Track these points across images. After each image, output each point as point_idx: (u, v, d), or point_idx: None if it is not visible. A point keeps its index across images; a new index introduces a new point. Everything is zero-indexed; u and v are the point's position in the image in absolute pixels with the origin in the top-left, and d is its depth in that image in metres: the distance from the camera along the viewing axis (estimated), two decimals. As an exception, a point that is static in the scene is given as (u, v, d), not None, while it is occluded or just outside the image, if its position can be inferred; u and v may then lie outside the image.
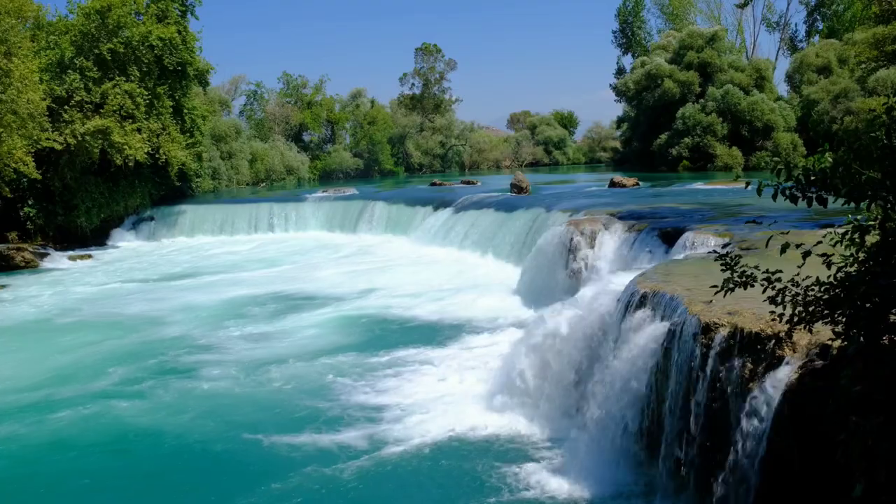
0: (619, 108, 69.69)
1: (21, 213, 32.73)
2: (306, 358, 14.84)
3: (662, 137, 54.91)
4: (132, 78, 33.64)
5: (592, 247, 17.60)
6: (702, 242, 14.28)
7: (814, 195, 5.15)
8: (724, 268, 5.97)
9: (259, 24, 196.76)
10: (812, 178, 5.10)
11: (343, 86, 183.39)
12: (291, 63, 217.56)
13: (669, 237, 15.87)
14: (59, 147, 30.25)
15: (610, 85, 68.48)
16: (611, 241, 17.46)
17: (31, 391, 13.38)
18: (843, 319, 5.20)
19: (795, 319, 5.51)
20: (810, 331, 5.71)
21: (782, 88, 60.70)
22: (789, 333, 6.70)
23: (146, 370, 14.42)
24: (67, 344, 16.69)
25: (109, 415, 12.15)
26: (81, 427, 11.63)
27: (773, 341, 6.98)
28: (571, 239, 17.97)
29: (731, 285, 5.92)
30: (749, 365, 7.13)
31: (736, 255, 6.13)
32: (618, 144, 75.19)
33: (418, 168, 79.41)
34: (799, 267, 5.66)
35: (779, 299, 5.67)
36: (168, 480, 9.92)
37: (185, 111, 38.05)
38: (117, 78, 33.44)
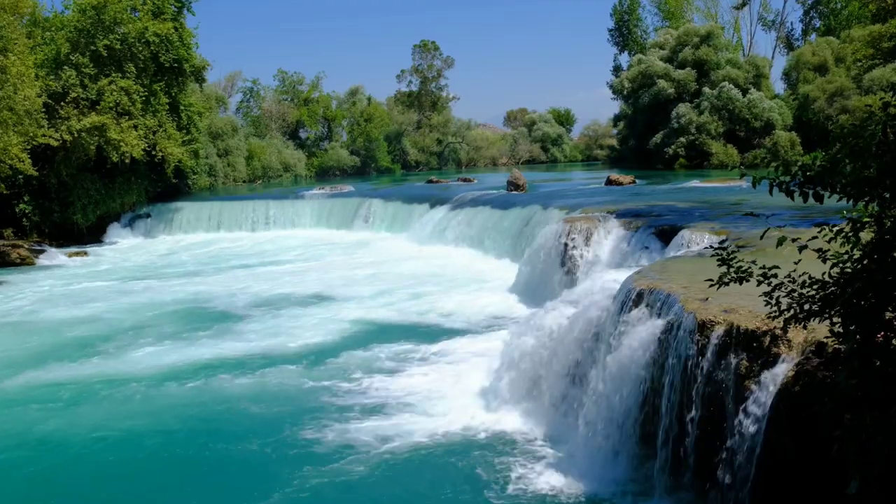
0: (616, 106, 69.83)
1: (17, 210, 32.65)
2: (303, 356, 14.83)
3: (658, 136, 55.00)
4: (128, 74, 33.53)
5: (589, 244, 17.61)
6: (698, 240, 14.30)
7: (810, 191, 5.16)
8: (720, 262, 5.98)
9: (256, 20, 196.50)
10: (809, 173, 5.10)
11: (340, 83, 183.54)
12: (288, 60, 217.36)
13: (666, 235, 15.90)
14: (55, 144, 30.15)
15: (607, 83, 68.58)
16: (607, 238, 17.48)
17: (28, 389, 13.36)
18: (839, 317, 5.21)
19: (790, 315, 5.52)
20: (805, 328, 5.72)
21: (779, 87, 60.92)
22: (785, 330, 6.71)
23: (145, 367, 14.40)
24: (61, 340, 16.63)
25: (104, 413, 12.12)
26: (74, 426, 11.55)
27: (769, 339, 7.00)
28: (568, 236, 17.99)
29: (727, 280, 5.93)
30: (745, 362, 7.14)
31: (732, 251, 6.14)
32: (615, 142, 75.30)
33: (415, 165, 79.48)
34: (795, 263, 5.67)
35: (774, 296, 5.67)
36: (162, 479, 9.85)
37: (182, 108, 37.98)
38: (113, 74, 33.35)
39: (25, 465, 10.34)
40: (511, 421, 10.99)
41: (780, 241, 5.45)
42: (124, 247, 34.35)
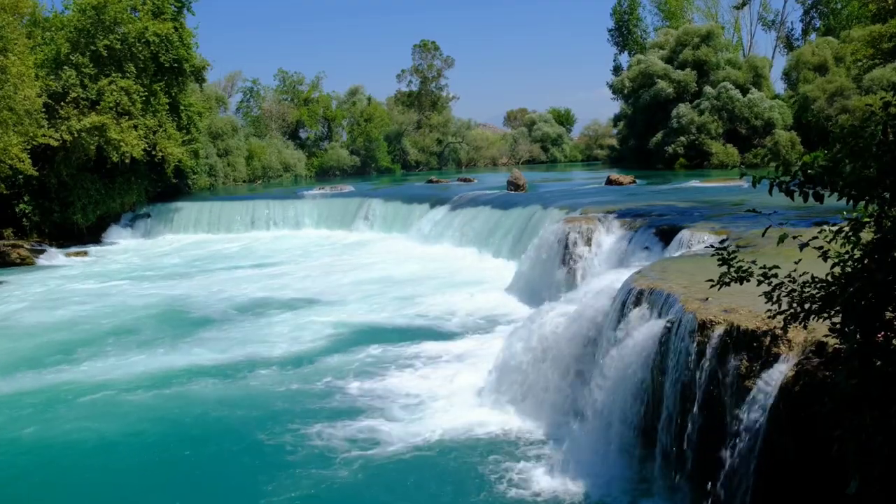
0: (616, 106, 69.83)
1: (17, 210, 32.63)
2: (301, 356, 14.83)
3: (658, 135, 55.00)
4: (128, 74, 33.52)
5: (589, 244, 17.61)
6: (698, 240, 14.30)
7: (810, 191, 5.15)
8: (720, 262, 5.97)
9: (256, 20, 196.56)
10: (809, 172, 5.10)
11: (340, 83, 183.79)
12: (288, 60, 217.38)
13: (666, 235, 15.89)
14: (55, 144, 30.14)
15: (607, 83, 68.55)
16: (607, 238, 17.47)
17: (27, 391, 13.34)
18: (839, 316, 5.21)
19: (790, 313, 5.52)
20: (805, 327, 5.71)
21: (779, 87, 60.91)
22: (785, 330, 6.71)
23: (142, 366, 14.40)
24: (41, 345, 16.38)
25: (77, 419, 12.01)
26: (48, 432, 11.46)
27: (770, 338, 7.00)
28: (568, 236, 17.99)
29: (727, 280, 5.93)
30: (745, 362, 7.14)
31: (733, 251, 6.14)
32: (615, 142, 75.28)
33: (415, 165, 79.51)
34: (796, 263, 5.67)
35: (775, 295, 5.67)
36: (137, 486, 9.75)
37: (182, 108, 37.98)
38: (113, 74, 33.33)
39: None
40: (510, 421, 10.99)
41: (782, 238, 5.45)
42: (124, 247, 34.33)
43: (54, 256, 30.30)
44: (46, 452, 10.70)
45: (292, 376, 13.61)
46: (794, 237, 5.44)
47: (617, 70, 76.14)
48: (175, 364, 14.55)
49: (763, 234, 6.42)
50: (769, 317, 5.89)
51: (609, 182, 34.64)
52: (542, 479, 9.13)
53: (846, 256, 5.14)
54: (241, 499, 9.17)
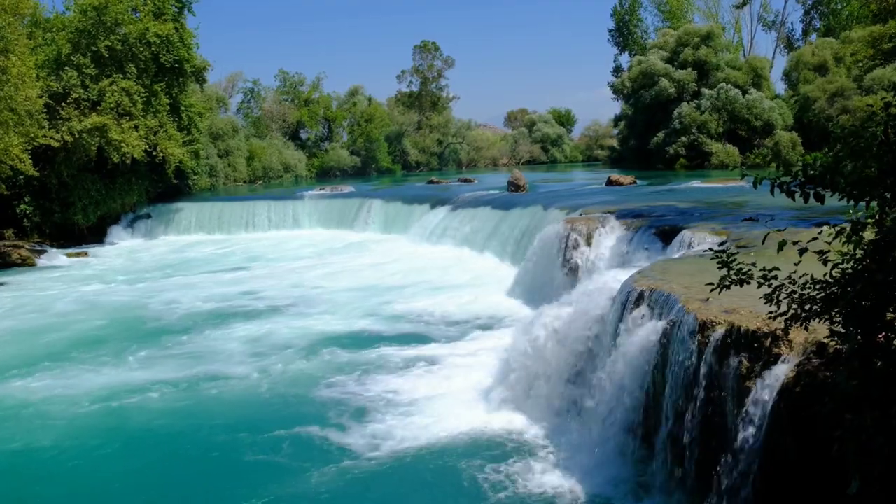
0: (616, 107, 69.83)
1: (18, 211, 32.67)
2: (300, 356, 14.83)
3: (659, 136, 54.99)
4: (129, 75, 33.54)
5: (589, 245, 17.60)
6: (699, 240, 14.29)
7: (811, 191, 5.15)
8: (720, 265, 5.97)
9: (256, 20, 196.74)
10: (811, 172, 5.10)
11: (340, 83, 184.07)
12: (288, 60, 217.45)
13: (666, 235, 15.87)
14: (56, 144, 30.16)
15: (607, 83, 68.55)
16: (608, 239, 17.46)
17: (30, 394, 13.35)
18: (840, 317, 5.21)
19: (791, 314, 5.52)
20: (806, 329, 5.72)
21: (780, 87, 60.92)
22: (786, 331, 6.71)
23: (140, 367, 14.42)
24: (58, 343, 16.40)
25: (100, 413, 12.09)
26: (70, 426, 11.53)
27: (770, 339, 7.00)
28: (568, 237, 17.98)
29: (728, 283, 5.92)
30: (746, 363, 7.14)
31: (732, 253, 6.14)
32: (615, 143, 75.26)
33: (415, 166, 79.55)
34: (796, 265, 5.67)
35: (775, 297, 5.67)
36: (158, 481, 9.75)
37: (182, 108, 38.01)
38: (114, 75, 33.36)
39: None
40: (511, 421, 10.99)
41: (781, 246, 5.44)
42: (124, 248, 34.34)
43: (55, 257, 30.35)
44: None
45: (286, 375, 13.62)
46: (795, 243, 5.44)
47: (617, 70, 76.12)
48: (143, 374, 14.03)
49: (763, 241, 6.40)
50: (770, 318, 5.90)
51: (609, 182, 34.61)
52: (544, 480, 9.13)
53: (847, 257, 5.14)
54: (241, 493, 9.11)
